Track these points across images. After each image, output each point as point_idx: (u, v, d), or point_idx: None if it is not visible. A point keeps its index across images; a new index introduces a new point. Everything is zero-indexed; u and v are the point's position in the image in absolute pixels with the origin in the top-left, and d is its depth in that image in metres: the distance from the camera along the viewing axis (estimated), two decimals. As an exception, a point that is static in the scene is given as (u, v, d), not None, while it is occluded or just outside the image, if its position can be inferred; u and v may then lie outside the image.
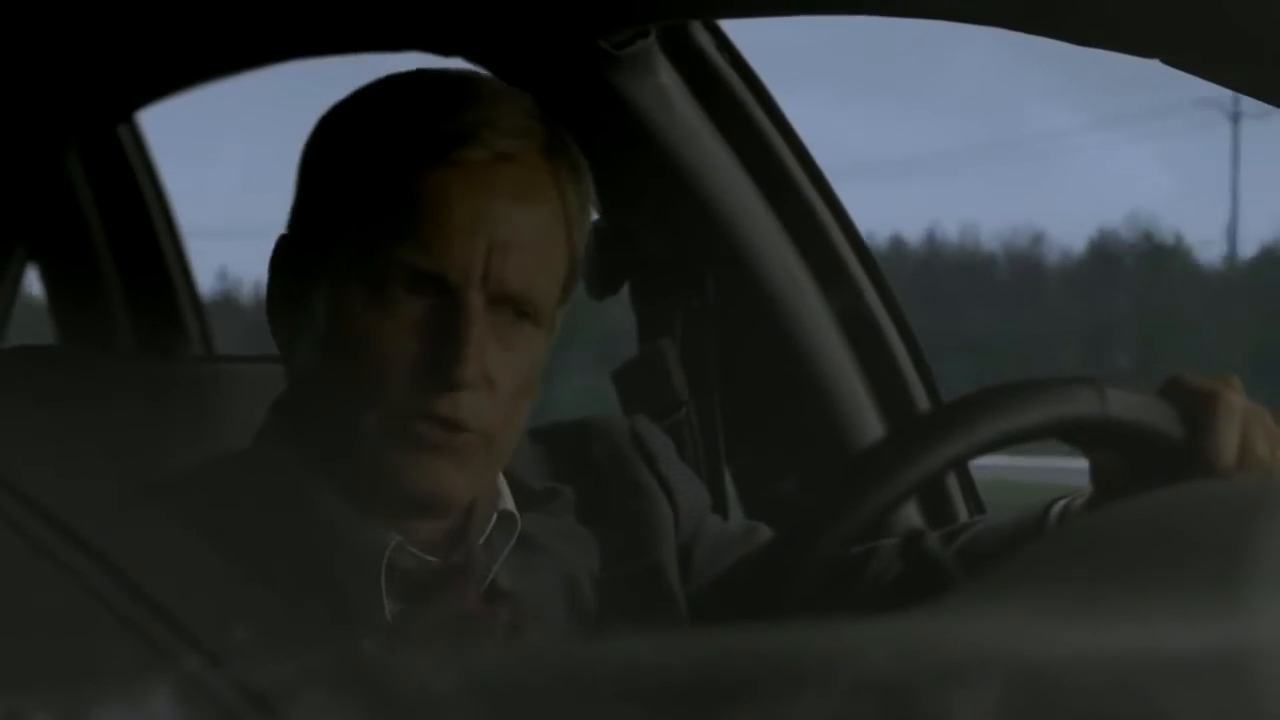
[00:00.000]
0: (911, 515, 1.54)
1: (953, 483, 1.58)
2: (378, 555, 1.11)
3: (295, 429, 1.17)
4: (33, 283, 2.20)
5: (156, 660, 0.57)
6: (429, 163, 1.11)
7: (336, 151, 1.16)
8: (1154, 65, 1.09)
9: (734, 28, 1.58)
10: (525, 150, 1.13)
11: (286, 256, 1.18)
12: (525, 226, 1.12)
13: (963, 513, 1.58)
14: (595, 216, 1.59)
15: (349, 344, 1.11)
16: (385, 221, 1.11)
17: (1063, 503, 1.13)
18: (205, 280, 2.22)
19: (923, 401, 1.61)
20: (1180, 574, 0.64)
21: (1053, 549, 0.74)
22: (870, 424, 1.59)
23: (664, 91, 1.55)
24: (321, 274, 1.14)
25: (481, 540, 1.15)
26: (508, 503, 1.17)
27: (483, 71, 1.31)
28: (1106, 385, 0.95)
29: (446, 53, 1.53)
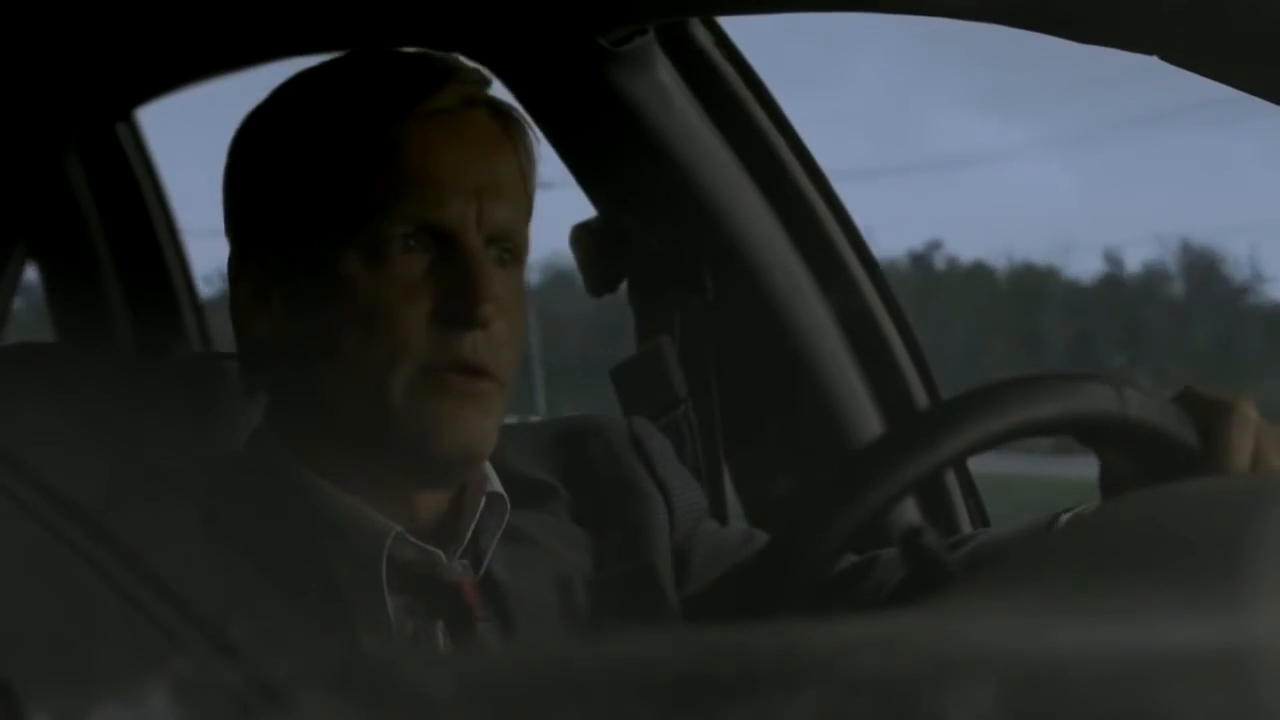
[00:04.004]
0: (911, 518, 1.54)
1: (953, 483, 1.58)
2: (378, 547, 1.12)
3: (290, 425, 1.17)
4: (32, 281, 2.20)
5: (156, 658, 0.57)
6: (404, 114, 1.13)
7: (298, 130, 1.16)
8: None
9: (732, 25, 1.58)
10: (483, 98, 1.17)
11: (249, 258, 1.17)
12: (499, 170, 1.15)
13: (963, 513, 1.57)
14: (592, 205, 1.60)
15: (356, 313, 1.11)
16: (372, 181, 1.12)
17: (1071, 515, 1.12)
18: (204, 279, 2.22)
19: (922, 400, 1.61)
20: (1180, 571, 0.64)
21: (1051, 546, 0.74)
22: (869, 422, 1.59)
23: (662, 89, 1.55)
24: (302, 254, 1.14)
25: (474, 522, 1.15)
26: (495, 484, 1.17)
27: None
28: (1125, 386, 0.95)
29: (445, 49, 1.53)
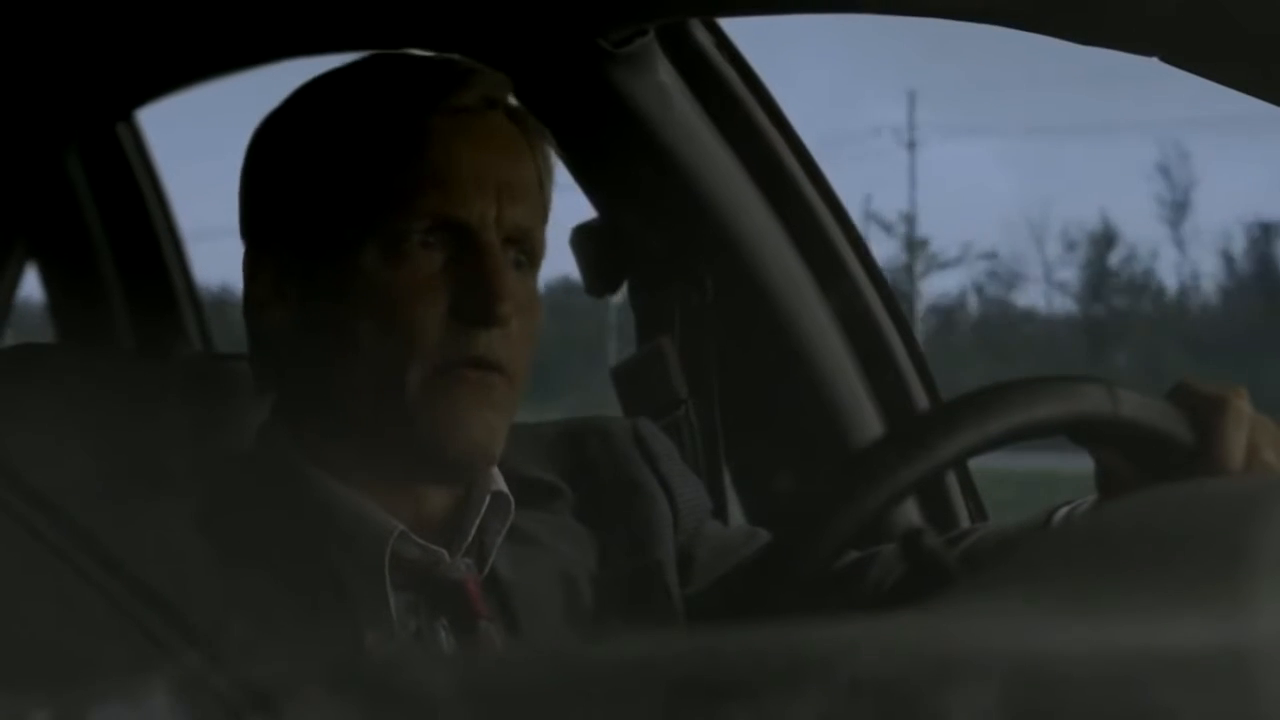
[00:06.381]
0: (911, 516, 1.54)
1: (952, 481, 1.58)
2: (381, 545, 1.12)
3: (299, 422, 1.17)
4: (32, 281, 2.20)
5: (157, 657, 0.57)
6: (427, 111, 1.13)
7: (319, 128, 1.16)
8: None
9: (732, 26, 1.59)
10: (504, 101, 1.17)
11: (265, 255, 1.17)
12: (518, 172, 1.15)
13: (962, 511, 1.58)
14: (597, 208, 1.60)
15: (373, 309, 1.11)
16: (392, 177, 1.12)
17: (1067, 508, 1.13)
18: (204, 279, 2.23)
19: (921, 399, 1.61)
20: (1180, 571, 0.64)
21: (1052, 546, 0.74)
22: (869, 421, 1.59)
23: (663, 89, 1.55)
24: (320, 250, 1.14)
25: (478, 521, 1.15)
26: (500, 484, 1.17)
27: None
28: (1117, 385, 0.95)
29: (445, 50, 1.53)
